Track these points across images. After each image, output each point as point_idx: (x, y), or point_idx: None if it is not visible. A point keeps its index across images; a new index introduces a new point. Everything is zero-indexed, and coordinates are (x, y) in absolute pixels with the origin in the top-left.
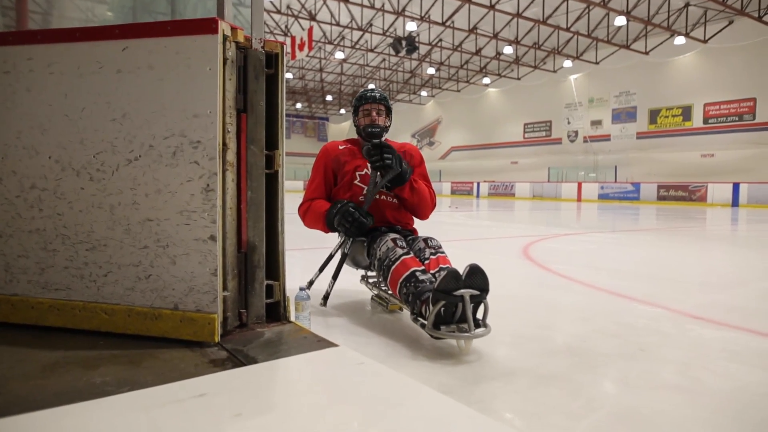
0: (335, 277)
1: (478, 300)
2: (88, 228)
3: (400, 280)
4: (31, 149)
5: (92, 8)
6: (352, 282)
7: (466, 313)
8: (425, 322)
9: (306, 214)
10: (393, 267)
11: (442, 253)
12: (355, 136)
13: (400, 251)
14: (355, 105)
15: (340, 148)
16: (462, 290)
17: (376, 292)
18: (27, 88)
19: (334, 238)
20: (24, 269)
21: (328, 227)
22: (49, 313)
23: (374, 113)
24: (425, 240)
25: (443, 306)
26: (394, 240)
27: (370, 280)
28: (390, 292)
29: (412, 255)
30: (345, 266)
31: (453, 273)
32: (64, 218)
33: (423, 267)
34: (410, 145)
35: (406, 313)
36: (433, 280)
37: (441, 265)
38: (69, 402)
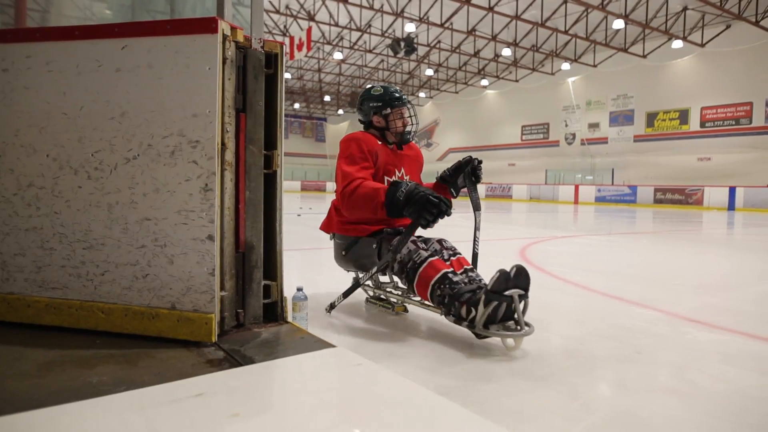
0: (353, 289)
1: (523, 299)
2: (85, 227)
3: (432, 282)
4: (29, 147)
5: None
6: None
7: (518, 311)
8: (468, 323)
9: (355, 192)
10: (420, 269)
11: (460, 253)
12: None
13: (424, 253)
14: (384, 104)
15: (379, 143)
16: (511, 290)
17: (376, 294)
18: (25, 85)
19: (328, 240)
20: (21, 267)
21: (390, 211)
22: (45, 311)
23: (407, 117)
24: (440, 242)
25: (494, 306)
26: (415, 242)
27: (369, 283)
28: (398, 293)
29: (437, 257)
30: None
31: (505, 274)
32: (62, 217)
33: (452, 268)
34: (417, 147)
35: (404, 314)
36: (466, 281)
37: (464, 266)
38: (65, 401)
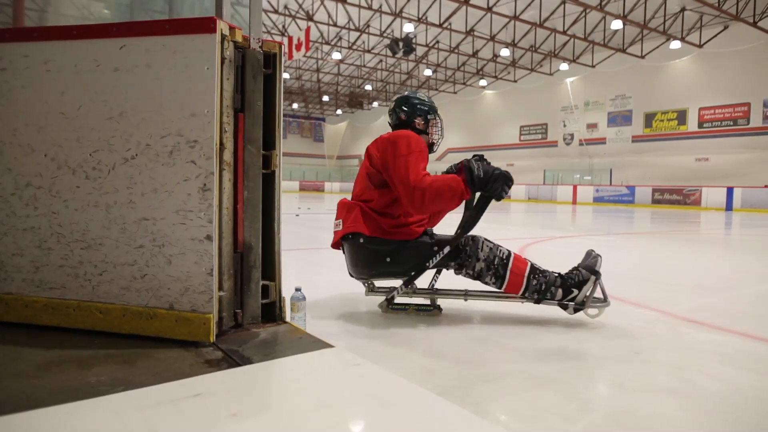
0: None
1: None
2: (83, 227)
3: (527, 273)
4: (26, 147)
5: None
6: (349, 282)
7: (602, 286)
8: (568, 302)
9: (433, 185)
10: (510, 264)
11: None
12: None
13: (504, 248)
14: (429, 110)
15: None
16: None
17: (410, 301)
18: (23, 85)
19: (327, 240)
20: (18, 267)
21: (472, 186)
22: (43, 312)
23: (441, 128)
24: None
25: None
26: (486, 240)
27: (400, 288)
28: (428, 296)
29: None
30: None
31: (595, 255)
32: (60, 217)
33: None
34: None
35: (400, 316)
36: (545, 268)
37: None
38: (63, 401)
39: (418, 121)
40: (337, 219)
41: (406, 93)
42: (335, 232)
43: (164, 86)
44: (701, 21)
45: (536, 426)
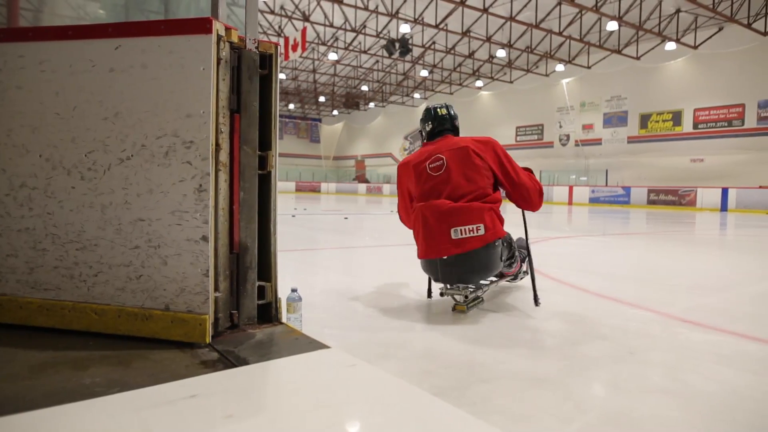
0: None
1: None
2: (78, 227)
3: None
4: (21, 147)
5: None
6: (344, 283)
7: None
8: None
9: (539, 182)
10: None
11: None
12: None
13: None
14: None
15: None
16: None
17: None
18: (18, 85)
19: (323, 241)
20: (13, 269)
21: None
22: (38, 313)
23: None
24: None
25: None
26: None
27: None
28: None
29: None
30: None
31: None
32: (54, 217)
33: None
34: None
35: (401, 314)
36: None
37: None
38: (58, 403)
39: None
40: (469, 224)
41: (447, 104)
42: (471, 238)
43: (160, 87)
44: (696, 22)
45: (532, 426)
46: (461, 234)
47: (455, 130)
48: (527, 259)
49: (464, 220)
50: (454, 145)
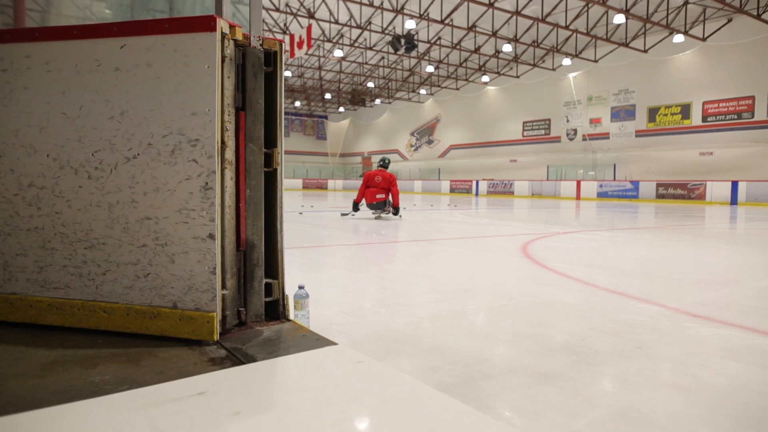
0: None
1: None
2: (86, 226)
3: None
4: (29, 147)
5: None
6: (350, 279)
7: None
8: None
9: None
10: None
11: None
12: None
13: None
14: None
15: None
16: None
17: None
18: (24, 86)
19: (329, 238)
20: (22, 268)
21: None
22: (47, 311)
23: None
24: None
25: None
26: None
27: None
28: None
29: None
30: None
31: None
32: (63, 217)
33: None
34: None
35: (408, 310)
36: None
37: None
38: (68, 401)
39: None
40: (380, 194)
41: (385, 156)
42: (381, 199)
43: (165, 85)
44: (704, 14)
45: (540, 422)
46: (377, 198)
47: (386, 167)
48: (398, 214)
49: (379, 194)
50: (383, 173)
